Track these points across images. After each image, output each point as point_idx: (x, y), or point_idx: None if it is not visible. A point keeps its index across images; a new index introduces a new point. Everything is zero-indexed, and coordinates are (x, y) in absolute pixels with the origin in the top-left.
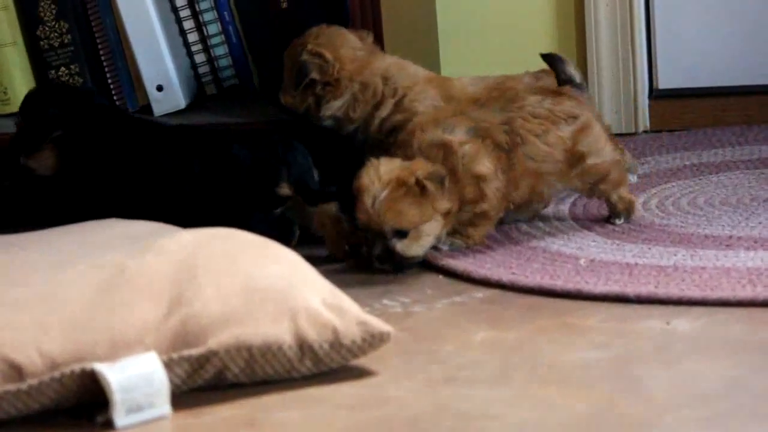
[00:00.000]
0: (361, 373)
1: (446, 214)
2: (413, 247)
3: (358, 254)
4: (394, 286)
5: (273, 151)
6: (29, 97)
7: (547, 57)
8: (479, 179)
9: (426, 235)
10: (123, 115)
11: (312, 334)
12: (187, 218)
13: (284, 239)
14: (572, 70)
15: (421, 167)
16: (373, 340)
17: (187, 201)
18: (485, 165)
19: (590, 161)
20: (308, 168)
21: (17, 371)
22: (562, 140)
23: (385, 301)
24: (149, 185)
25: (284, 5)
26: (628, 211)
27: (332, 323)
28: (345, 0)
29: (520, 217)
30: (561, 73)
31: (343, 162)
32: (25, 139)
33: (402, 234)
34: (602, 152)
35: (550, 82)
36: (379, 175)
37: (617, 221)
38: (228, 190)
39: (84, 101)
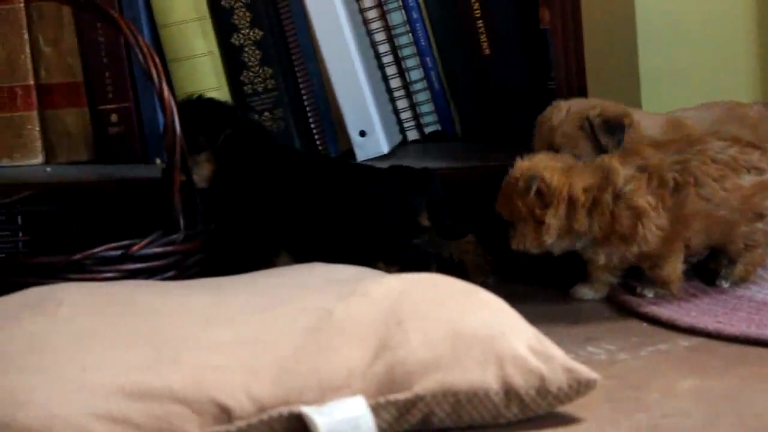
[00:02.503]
0: (567, 420)
1: None
2: None
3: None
4: (597, 333)
5: (412, 183)
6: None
7: None
8: (637, 213)
9: None
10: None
11: (519, 381)
12: (332, 243)
13: (423, 268)
14: None
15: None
16: (580, 387)
17: (332, 224)
18: (645, 199)
19: (764, 225)
20: (443, 202)
21: (227, 414)
22: (740, 188)
23: (589, 348)
24: (298, 207)
25: (487, 52)
26: (743, 281)
27: (539, 370)
28: (548, 46)
29: None
30: None
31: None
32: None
33: None
34: None
35: None
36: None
37: (723, 283)
38: (370, 218)
39: (232, 116)
